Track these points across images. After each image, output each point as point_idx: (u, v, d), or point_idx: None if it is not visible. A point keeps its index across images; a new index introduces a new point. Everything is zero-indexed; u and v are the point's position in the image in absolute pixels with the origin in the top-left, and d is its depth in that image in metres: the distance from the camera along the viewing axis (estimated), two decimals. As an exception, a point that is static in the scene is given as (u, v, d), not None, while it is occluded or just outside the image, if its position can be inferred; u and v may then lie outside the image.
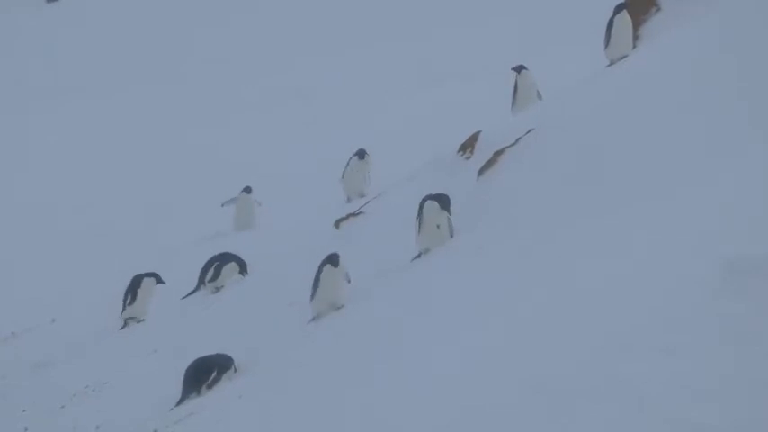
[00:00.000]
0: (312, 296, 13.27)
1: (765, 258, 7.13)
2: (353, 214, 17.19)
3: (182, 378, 13.16)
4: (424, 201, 13.79)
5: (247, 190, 21.49)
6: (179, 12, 38.96)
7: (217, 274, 17.28)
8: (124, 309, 17.18)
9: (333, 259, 13.22)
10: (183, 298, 17.43)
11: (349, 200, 20.24)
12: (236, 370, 13.14)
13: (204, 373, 13.13)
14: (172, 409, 12.87)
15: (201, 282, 17.36)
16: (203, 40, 37.57)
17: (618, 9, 16.68)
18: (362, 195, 19.76)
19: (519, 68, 18.13)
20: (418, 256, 13.77)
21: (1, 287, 21.25)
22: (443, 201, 13.75)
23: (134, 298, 17.09)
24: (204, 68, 35.47)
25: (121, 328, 17.17)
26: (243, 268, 17.36)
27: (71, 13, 39.66)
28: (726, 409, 6.06)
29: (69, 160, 29.88)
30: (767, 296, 6.83)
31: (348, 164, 20.74)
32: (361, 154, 20.57)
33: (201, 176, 25.66)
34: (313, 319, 13.22)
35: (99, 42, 37.38)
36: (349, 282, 13.31)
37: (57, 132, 31.68)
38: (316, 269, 13.33)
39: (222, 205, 21.15)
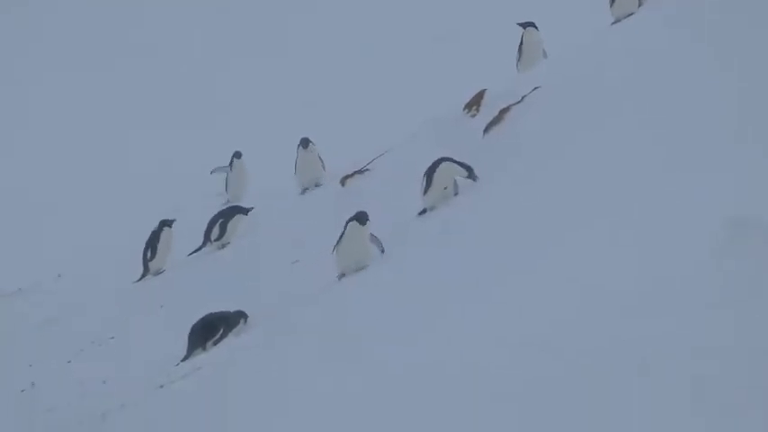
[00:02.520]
0: (336, 252, 13.15)
1: (761, 220, 7.18)
2: (359, 171, 17.17)
3: (188, 334, 13.20)
4: (439, 161, 13.83)
5: (237, 155, 20.42)
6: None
7: (222, 232, 17.29)
8: (145, 264, 17.19)
9: (360, 217, 13.05)
10: (189, 255, 17.43)
11: (304, 191, 19.36)
12: (245, 321, 13.16)
13: (211, 330, 13.19)
14: (177, 364, 12.89)
15: (207, 239, 17.38)
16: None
17: None
18: (318, 184, 19.27)
19: (525, 25, 17.92)
20: (423, 211, 13.82)
21: (9, 243, 21.36)
22: (454, 163, 13.72)
23: (154, 252, 17.10)
24: (211, 29, 35.48)
25: (139, 280, 17.16)
26: (244, 212, 17.42)
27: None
28: (726, 364, 6.07)
29: (77, 118, 29.74)
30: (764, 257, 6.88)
31: (297, 156, 19.96)
32: (304, 143, 19.68)
33: (206, 136, 25.39)
34: (338, 277, 13.10)
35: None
36: (382, 251, 13.13)
37: (67, 91, 31.63)
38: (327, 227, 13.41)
39: (212, 173, 20.58)
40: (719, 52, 12.00)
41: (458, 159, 13.84)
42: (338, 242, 12.99)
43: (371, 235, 13.04)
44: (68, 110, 30.99)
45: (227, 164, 20.14)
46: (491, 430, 6.56)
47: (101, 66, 33.26)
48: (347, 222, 13.03)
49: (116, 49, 33.31)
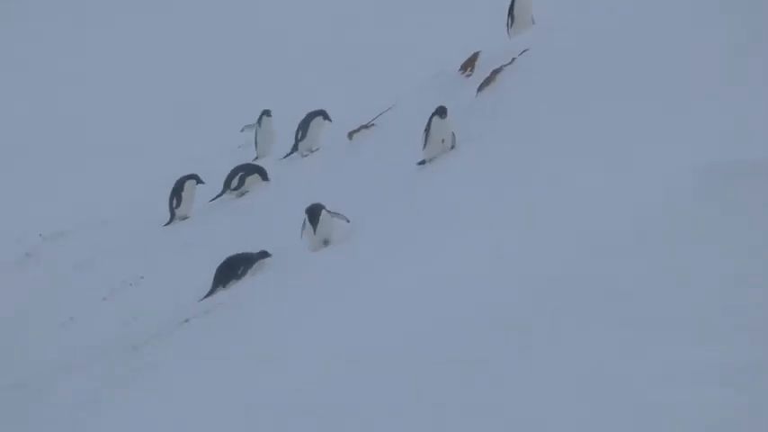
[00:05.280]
0: (303, 237, 13.05)
1: (738, 164, 7.03)
2: (366, 126, 17.14)
3: (212, 273, 13.31)
4: (433, 115, 13.81)
5: (267, 113, 20.08)
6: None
7: (242, 183, 17.36)
8: (171, 209, 17.35)
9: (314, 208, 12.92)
10: (211, 201, 17.47)
11: (258, 158, 19.51)
12: (266, 256, 13.33)
13: (232, 270, 13.32)
14: (201, 300, 13.06)
15: (227, 187, 17.43)
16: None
17: None
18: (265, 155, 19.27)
19: None
20: (423, 162, 13.84)
21: (47, 191, 21.17)
22: (446, 114, 13.75)
23: (180, 199, 17.27)
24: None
25: (167, 224, 17.31)
26: (264, 177, 17.43)
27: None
28: (695, 298, 6.01)
29: (109, 76, 29.14)
30: (739, 199, 6.76)
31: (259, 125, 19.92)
32: (267, 113, 19.92)
33: (228, 95, 25.07)
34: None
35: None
36: (347, 221, 12.94)
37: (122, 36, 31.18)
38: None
39: (242, 130, 20.51)
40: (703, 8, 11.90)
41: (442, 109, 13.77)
42: (303, 228, 12.87)
43: (331, 213, 12.84)
44: (124, 56, 30.50)
45: (256, 121, 20.05)
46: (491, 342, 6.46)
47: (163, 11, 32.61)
48: (307, 211, 12.87)
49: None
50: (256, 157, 19.49)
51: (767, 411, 4.92)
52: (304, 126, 18.40)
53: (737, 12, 11.38)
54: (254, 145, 19.95)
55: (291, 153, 18.59)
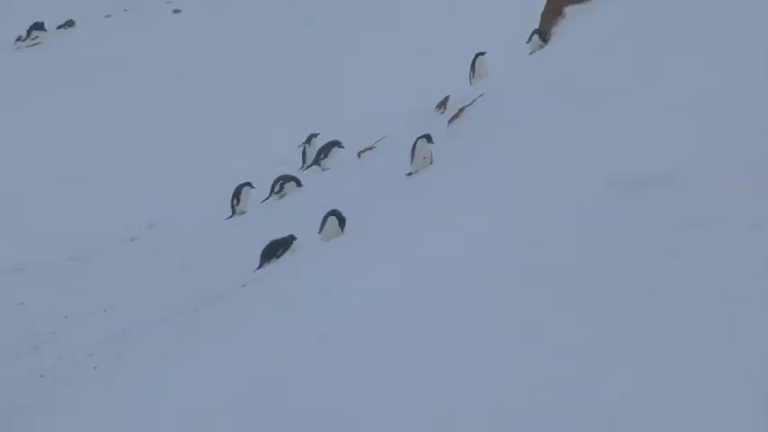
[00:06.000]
0: (321, 235, 12.84)
1: (641, 176, 6.42)
2: (369, 148, 17.10)
3: (260, 253, 13.26)
4: (417, 139, 13.84)
5: (315, 135, 19.29)
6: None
7: (282, 188, 17.22)
8: (233, 206, 17.16)
9: (337, 213, 12.78)
10: (262, 201, 17.28)
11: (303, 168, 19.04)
12: (294, 239, 13.20)
13: (274, 250, 13.23)
14: (253, 272, 12.97)
15: (272, 191, 17.32)
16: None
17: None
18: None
19: (477, 54, 17.91)
20: (409, 173, 13.83)
21: (145, 190, 20.68)
22: (430, 138, 13.82)
23: (238, 200, 17.14)
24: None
25: (229, 218, 17.06)
26: (299, 183, 17.29)
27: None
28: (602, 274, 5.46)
29: (179, 88, 28.07)
30: (639, 205, 6.10)
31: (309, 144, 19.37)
32: (315, 135, 19.29)
33: (273, 119, 24.29)
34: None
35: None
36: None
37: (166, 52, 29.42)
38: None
39: (298, 147, 19.59)
40: (619, 61, 11.23)
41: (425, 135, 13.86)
42: (321, 229, 12.73)
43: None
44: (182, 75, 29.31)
45: (307, 141, 19.58)
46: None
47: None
48: (327, 216, 12.75)
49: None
50: (303, 167, 19.16)
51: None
52: (326, 150, 18.33)
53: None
54: (301, 158, 19.56)
55: (311, 166, 18.51)
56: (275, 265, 12.85)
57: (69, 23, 37.25)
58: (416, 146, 13.79)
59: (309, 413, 5.53)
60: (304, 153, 19.54)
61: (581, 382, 4.48)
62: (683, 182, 5.98)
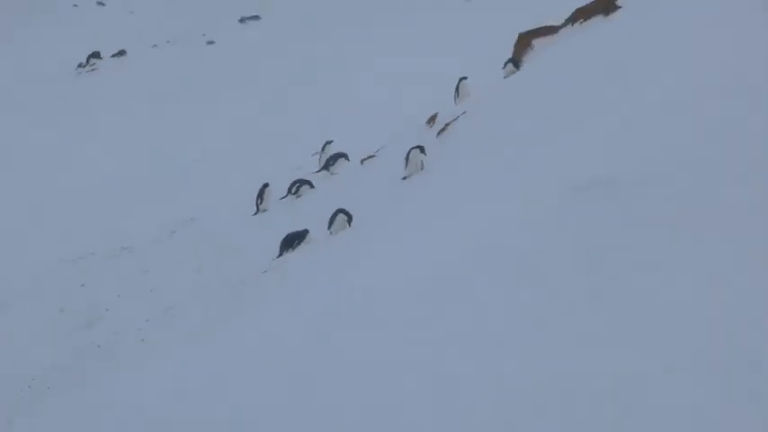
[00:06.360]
0: (331, 230, 12.78)
1: (604, 178, 6.27)
2: (371, 156, 17.11)
3: (279, 243, 13.29)
4: (411, 149, 13.82)
5: (330, 142, 18.98)
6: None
7: (298, 189, 17.21)
8: (257, 205, 17.07)
9: (345, 211, 12.73)
10: (281, 199, 17.27)
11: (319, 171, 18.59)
12: (307, 233, 13.16)
13: (291, 241, 13.21)
14: (273, 259, 13.00)
15: (289, 192, 17.29)
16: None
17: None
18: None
19: (461, 79, 17.93)
20: (404, 178, 13.79)
21: (178, 193, 20.60)
22: (422, 149, 13.79)
23: (262, 199, 17.07)
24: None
25: (254, 215, 16.98)
26: (311, 186, 17.25)
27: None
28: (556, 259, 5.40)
29: (212, 105, 27.92)
30: (590, 203, 5.95)
31: (323, 151, 18.96)
32: (330, 142, 18.90)
33: (291, 132, 24.17)
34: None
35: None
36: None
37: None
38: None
39: (312, 155, 19.41)
40: (577, 90, 11.13)
41: (417, 145, 13.86)
42: (330, 225, 12.66)
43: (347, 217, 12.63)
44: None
45: (322, 148, 19.37)
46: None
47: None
48: (335, 214, 12.66)
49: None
50: (319, 170, 18.90)
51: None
52: (334, 159, 18.23)
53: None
54: (318, 162, 19.30)
55: (321, 170, 18.30)
56: (292, 254, 12.89)
57: (121, 52, 37.37)
58: (410, 154, 13.76)
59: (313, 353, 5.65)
60: (321, 157, 19.43)
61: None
62: (627, 183, 5.97)
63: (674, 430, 3.57)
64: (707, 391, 3.67)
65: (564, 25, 16.35)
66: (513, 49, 17.04)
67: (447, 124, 15.09)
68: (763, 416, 3.52)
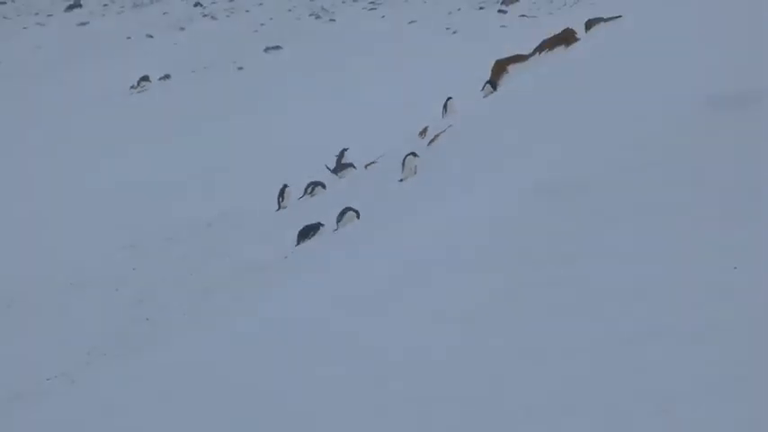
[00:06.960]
0: (339, 225, 12.55)
1: (565, 181, 6.10)
2: (372, 163, 17.04)
3: (297, 234, 13.21)
4: (406, 155, 13.75)
5: (346, 149, 18.53)
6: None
7: (313, 190, 17.07)
8: (279, 203, 16.90)
9: (352, 210, 12.52)
10: (299, 199, 17.16)
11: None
12: (321, 225, 13.03)
13: (307, 232, 13.09)
14: (293, 248, 12.94)
15: (305, 192, 17.19)
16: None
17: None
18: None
19: (448, 98, 17.71)
20: (401, 180, 13.73)
21: (213, 191, 20.21)
22: (415, 156, 13.73)
23: (283, 197, 16.91)
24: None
25: (276, 211, 16.85)
26: (324, 187, 17.15)
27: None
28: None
29: (243, 117, 27.04)
30: (565, 208, 5.71)
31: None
32: (346, 149, 18.59)
33: (309, 143, 23.07)
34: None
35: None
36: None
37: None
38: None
39: (326, 166, 18.61)
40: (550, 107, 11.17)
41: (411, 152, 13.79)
42: (339, 220, 12.44)
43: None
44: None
45: (340, 153, 18.99)
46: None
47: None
48: (345, 211, 12.39)
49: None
50: (333, 170, 18.70)
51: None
52: (343, 167, 18.14)
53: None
54: (334, 165, 19.02)
55: (332, 172, 18.17)
56: (308, 244, 12.83)
57: (167, 76, 37.61)
58: (406, 160, 13.73)
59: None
60: (338, 159, 19.15)
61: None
62: (593, 184, 5.93)
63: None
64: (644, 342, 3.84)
65: (532, 54, 16.60)
66: (491, 72, 17.11)
67: (436, 135, 15.11)
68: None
